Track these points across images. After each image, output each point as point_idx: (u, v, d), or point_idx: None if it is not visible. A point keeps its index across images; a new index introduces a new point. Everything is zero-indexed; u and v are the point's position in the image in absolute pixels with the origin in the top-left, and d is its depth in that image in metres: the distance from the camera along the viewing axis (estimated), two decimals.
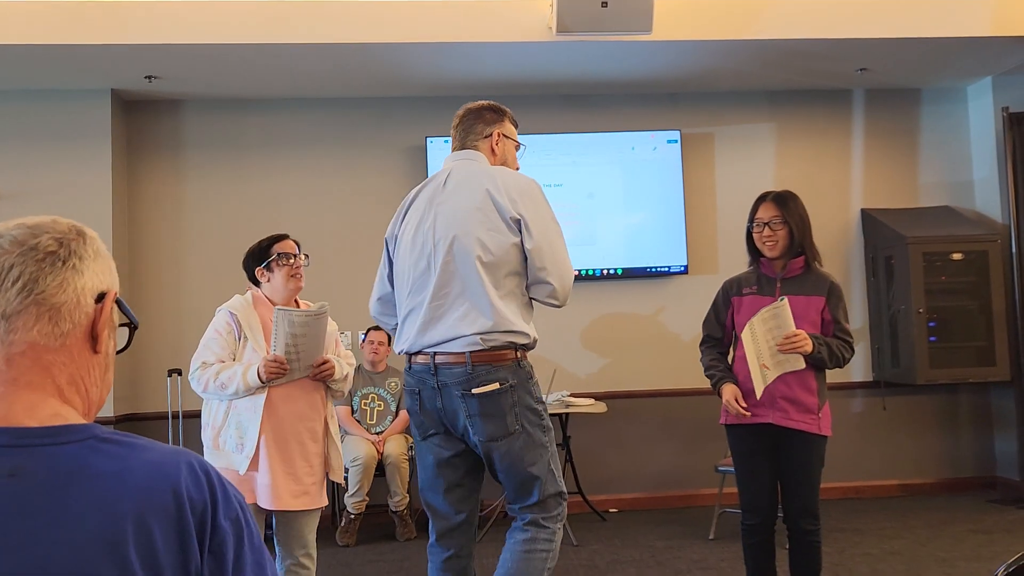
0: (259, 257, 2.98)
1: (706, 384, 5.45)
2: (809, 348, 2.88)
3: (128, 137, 5.48)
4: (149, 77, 5.00)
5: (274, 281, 2.96)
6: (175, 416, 5.15)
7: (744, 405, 2.97)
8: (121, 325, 1.03)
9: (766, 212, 3.06)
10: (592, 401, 4.98)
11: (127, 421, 5.16)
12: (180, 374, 5.19)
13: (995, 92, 5.63)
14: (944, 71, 5.52)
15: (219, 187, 5.54)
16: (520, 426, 2.54)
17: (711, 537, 4.65)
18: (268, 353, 2.79)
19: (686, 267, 5.59)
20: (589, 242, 5.56)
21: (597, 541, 4.65)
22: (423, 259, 2.57)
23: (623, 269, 5.59)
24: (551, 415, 5.05)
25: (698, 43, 4.77)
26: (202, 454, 3.95)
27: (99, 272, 0.98)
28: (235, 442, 2.81)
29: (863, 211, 5.79)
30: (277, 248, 2.98)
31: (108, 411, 5.00)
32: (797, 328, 2.90)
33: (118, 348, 1.03)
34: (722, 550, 4.43)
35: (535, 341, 2.60)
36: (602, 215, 5.56)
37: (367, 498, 4.81)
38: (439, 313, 2.51)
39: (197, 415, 5.11)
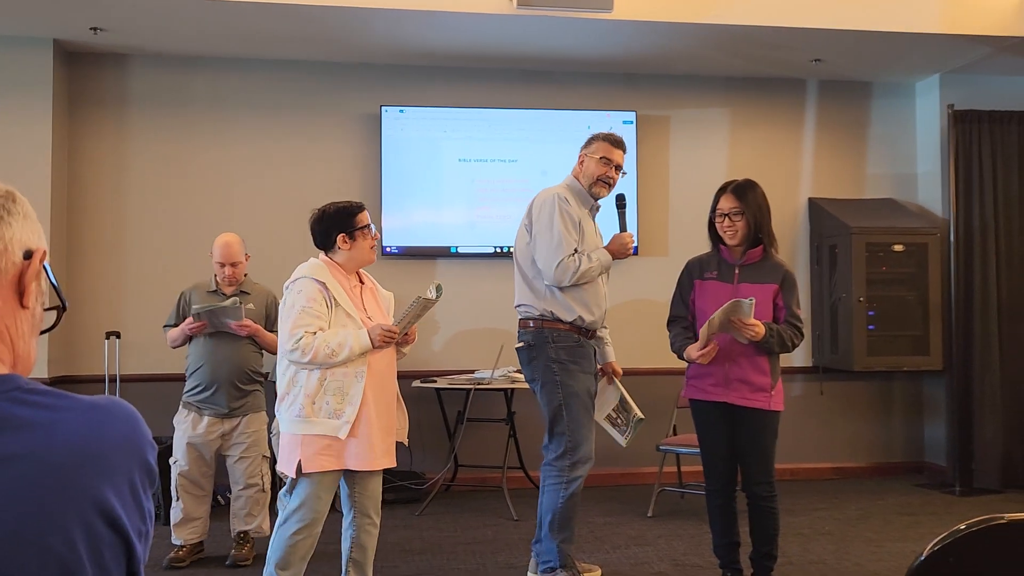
0: (344, 224, 2.97)
1: (651, 364, 5.54)
2: (760, 337, 3.07)
3: (70, 91, 5.28)
4: (94, 28, 4.81)
5: (355, 250, 2.98)
6: (112, 380, 5.02)
7: (708, 348, 3.14)
8: (48, 309, 1.01)
9: (726, 203, 3.23)
10: None
11: (62, 383, 5.02)
12: (119, 337, 5.06)
13: (942, 89, 5.76)
14: (895, 66, 5.63)
15: (165, 147, 5.38)
16: (536, 376, 3.42)
17: (649, 514, 4.74)
18: (368, 323, 2.90)
19: (636, 248, 5.60)
20: None
21: (536, 516, 4.69)
22: None
23: None
24: (496, 390, 5.11)
25: (657, 24, 4.77)
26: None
27: (27, 231, 0.96)
28: (332, 408, 2.81)
29: (810, 200, 5.90)
30: (362, 218, 3.00)
31: (42, 372, 4.85)
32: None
33: (44, 328, 1.01)
34: (660, 527, 4.51)
35: (583, 320, 3.39)
36: None
37: None
38: None
39: (136, 379, 5.07)
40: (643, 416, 3.68)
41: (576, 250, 3.35)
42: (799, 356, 5.83)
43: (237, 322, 3.81)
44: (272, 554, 2.90)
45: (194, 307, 3.85)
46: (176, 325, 3.96)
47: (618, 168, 3.50)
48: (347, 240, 2.96)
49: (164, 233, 5.34)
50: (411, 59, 5.46)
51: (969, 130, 5.56)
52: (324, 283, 2.90)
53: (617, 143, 3.51)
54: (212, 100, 5.42)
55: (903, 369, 5.66)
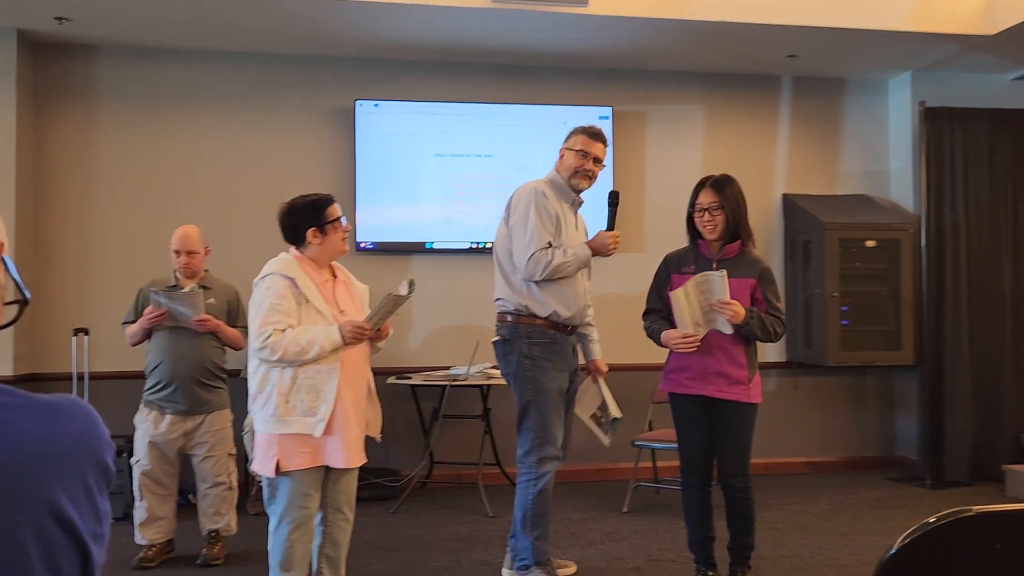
0: (313, 218, 2.91)
1: (627, 360, 5.54)
2: (740, 318, 3.08)
3: (35, 82, 5.18)
4: (60, 19, 4.72)
5: (326, 243, 2.92)
6: (80, 377, 4.94)
7: (686, 336, 3.16)
8: (9, 303, 0.97)
9: (706, 198, 3.25)
10: None
11: (28, 381, 4.93)
12: (87, 334, 4.98)
13: (914, 86, 5.82)
14: (868, 63, 5.67)
15: (133, 140, 5.30)
16: (509, 371, 3.42)
17: (625, 510, 4.74)
18: (339, 318, 2.84)
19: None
20: None
21: (512, 512, 4.67)
22: None
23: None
24: (471, 386, 5.09)
25: (633, 20, 4.77)
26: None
27: None
28: (306, 406, 2.77)
29: (784, 196, 5.93)
30: (333, 211, 2.93)
31: (7, 370, 4.77)
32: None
33: (5, 322, 0.97)
34: (635, 522, 4.52)
35: (559, 316, 3.36)
36: None
37: None
38: None
39: (105, 377, 4.99)
40: (620, 415, 3.67)
41: (550, 244, 3.32)
42: (773, 351, 5.86)
43: (196, 317, 3.71)
44: (273, 556, 2.87)
45: (151, 292, 3.75)
46: (135, 322, 3.85)
47: (597, 160, 3.47)
48: (318, 234, 2.90)
49: (134, 228, 5.26)
50: (386, 52, 5.41)
51: (940, 127, 5.61)
52: (293, 279, 2.85)
53: (596, 135, 3.48)
54: (182, 93, 5.35)
55: (876, 364, 5.71)
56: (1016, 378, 5.58)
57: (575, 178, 3.45)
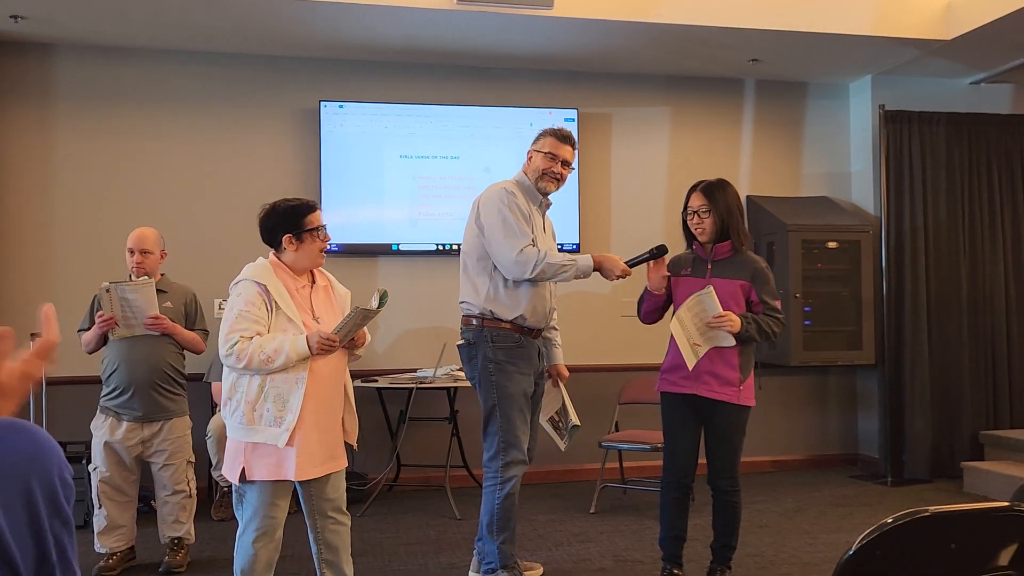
0: (290, 224, 2.85)
1: (593, 361, 5.55)
2: (737, 327, 3.13)
3: None
4: (15, 16, 4.63)
5: (301, 251, 2.86)
6: (36, 383, 4.83)
7: (665, 274, 3.29)
8: None
9: (696, 201, 3.33)
10: None
11: None
12: None
13: (874, 90, 5.91)
14: (829, 67, 5.75)
15: (93, 142, 5.20)
16: (474, 375, 3.39)
17: (592, 511, 4.76)
18: (312, 326, 2.80)
19: (578, 245, 5.64)
20: None
21: (480, 514, 4.67)
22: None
23: None
24: (439, 388, 5.07)
25: (598, 22, 4.79)
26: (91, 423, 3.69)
27: None
28: (272, 416, 2.72)
29: (749, 198, 5.99)
30: (312, 220, 2.87)
31: None
32: (724, 310, 3.16)
33: None
34: (602, 523, 4.53)
35: (524, 320, 3.34)
36: None
37: None
38: None
39: (63, 382, 4.90)
40: (579, 424, 3.68)
41: (532, 240, 3.27)
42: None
43: (150, 314, 3.61)
44: (237, 562, 2.85)
45: (101, 287, 3.64)
46: (90, 329, 3.77)
47: (566, 163, 3.44)
48: (293, 240, 2.85)
49: (93, 232, 5.16)
50: (350, 53, 5.38)
51: (899, 130, 5.71)
52: (265, 285, 2.79)
53: (565, 138, 3.45)
54: (143, 94, 5.26)
55: (837, 364, 5.79)
56: (973, 377, 5.69)
57: (543, 181, 3.42)
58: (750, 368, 3.29)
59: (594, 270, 3.30)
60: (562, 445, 3.69)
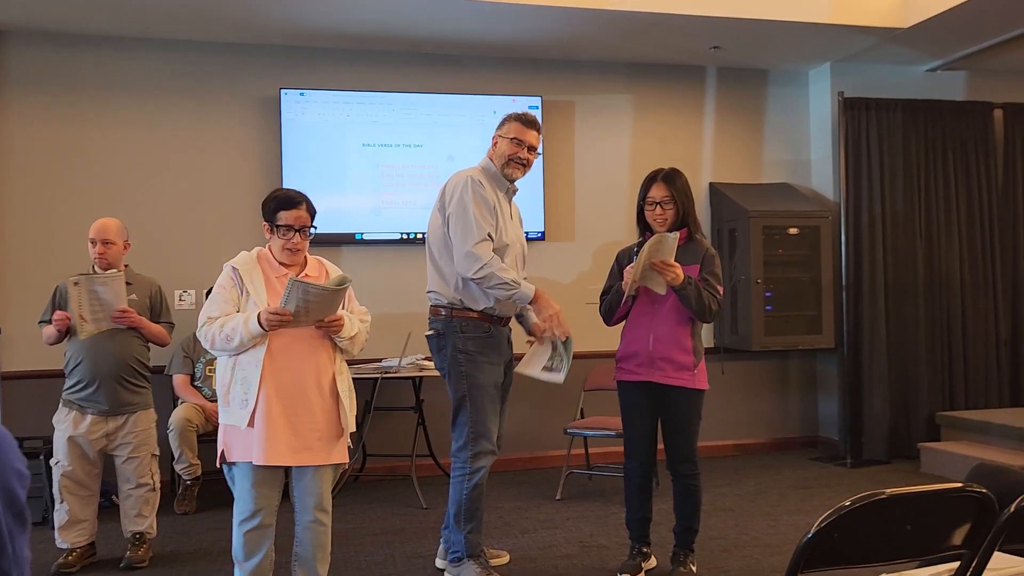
0: (267, 214, 2.90)
1: None
2: (678, 281, 3.15)
3: None
4: None
5: (273, 244, 2.91)
6: None
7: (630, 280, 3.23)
8: None
9: (658, 192, 3.32)
10: None
11: None
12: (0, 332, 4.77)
13: (833, 77, 5.99)
14: (789, 54, 5.81)
15: (47, 131, 5.08)
16: (444, 366, 3.38)
17: (558, 497, 4.78)
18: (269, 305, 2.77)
19: (543, 233, 5.65)
20: None
21: (447, 503, 4.67)
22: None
23: None
24: (404, 378, 5.05)
25: (561, 9, 4.78)
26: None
27: None
28: (241, 398, 2.77)
29: (711, 185, 6.04)
30: (284, 217, 2.86)
31: None
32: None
33: None
34: (568, 509, 4.56)
35: (493, 311, 3.32)
36: None
37: (197, 463, 4.60)
38: None
39: (19, 376, 4.80)
40: (570, 335, 3.41)
41: (489, 235, 3.25)
42: (703, 337, 5.98)
43: (119, 307, 3.56)
44: (233, 547, 2.89)
45: (63, 284, 3.55)
46: (47, 319, 3.72)
47: (531, 149, 3.40)
48: (269, 231, 2.91)
49: (47, 223, 5.05)
50: (312, 40, 5.31)
51: (858, 117, 5.79)
52: (238, 269, 2.86)
53: (530, 123, 3.41)
54: (99, 81, 5.15)
55: (798, 348, 5.87)
56: (929, 360, 5.82)
57: (509, 167, 3.38)
58: (702, 352, 3.34)
59: (531, 303, 3.26)
60: (562, 377, 3.39)
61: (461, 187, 3.29)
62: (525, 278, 3.39)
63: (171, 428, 4.55)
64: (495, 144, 3.42)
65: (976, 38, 5.42)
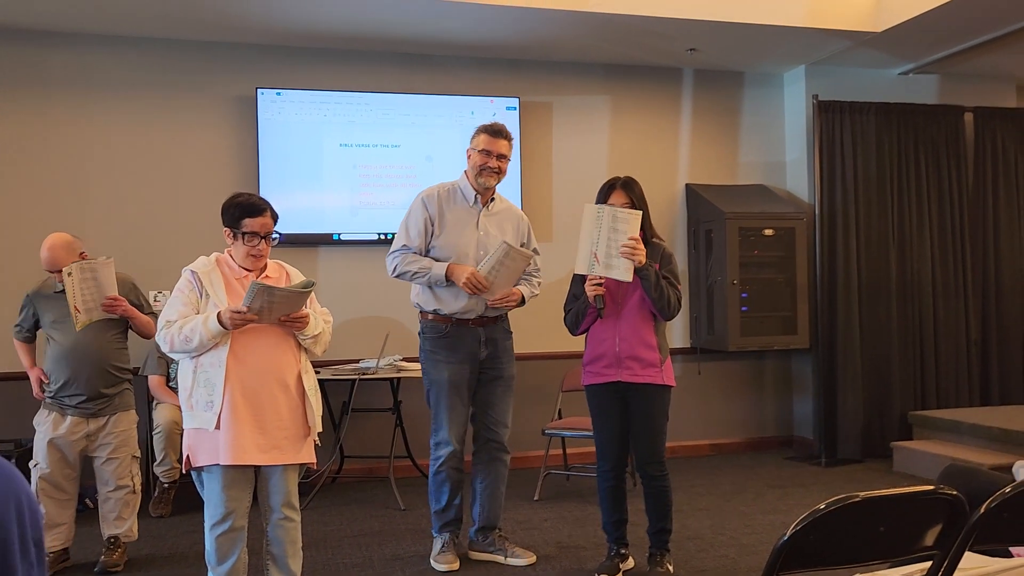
0: (228, 220, 2.88)
1: (536, 350, 5.57)
2: (642, 259, 3.19)
3: None
4: None
5: (235, 250, 2.90)
6: None
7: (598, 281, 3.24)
8: None
9: (618, 199, 3.34)
10: None
11: None
12: None
13: (807, 80, 6.05)
14: (765, 57, 5.86)
15: (16, 129, 5.01)
16: (422, 365, 3.68)
17: (536, 498, 4.79)
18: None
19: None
20: None
21: (425, 505, 4.64)
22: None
23: None
24: (382, 379, 5.04)
25: (539, 11, 4.79)
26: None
27: None
28: (205, 401, 2.76)
29: (687, 186, 6.08)
30: (248, 224, 2.86)
31: None
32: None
33: None
34: (546, 510, 4.57)
35: (443, 310, 3.57)
36: (439, 178, 5.41)
37: (178, 466, 4.57)
38: None
39: None
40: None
41: (404, 246, 3.57)
42: (679, 338, 6.03)
43: (109, 297, 3.51)
44: (206, 551, 2.90)
45: (63, 270, 3.45)
46: (24, 327, 3.74)
47: (501, 157, 3.58)
48: (231, 235, 2.90)
49: (16, 223, 4.98)
50: (289, 40, 5.28)
51: (832, 119, 5.85)
52: (197, 273, 2.86)
53: (497, 132, 3.59)
54: (71, 80, 5.08)
55: (773, 348, 5.93)
56: (902, 360, 5.89)
57: (481, 176, 3.57)
58: (667, 350, 3.40)
59: (447, 278, 3.50)
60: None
61: (413, 202, 3.66)
62: (521, 284, 3.65)
63: (158, 430, 4.50)
64: (468, 156, 3.64)
65: (947, 42, 5.50)
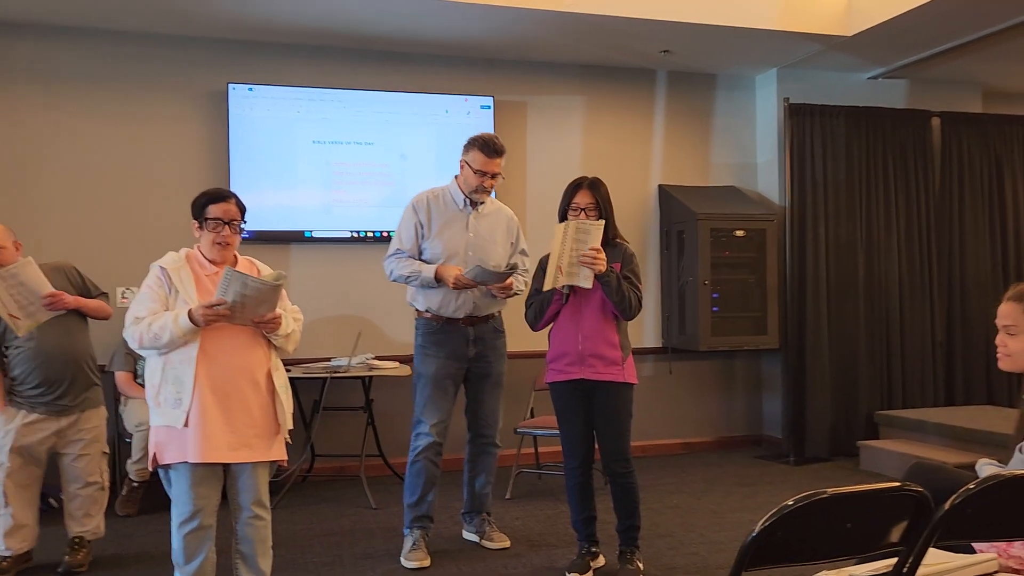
0: (195, 211, 2.88)
1: (509, 348, 5.58)
2: (603, 268, 3.23)
3: None
4: None
5: (202, 241, 2.88)
6: None
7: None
8: None
9: (583, 199, 3.39)
10: (397, 364, 4.95)
11: None
12: None
13: (779, 83, 6.11)
14: (737, 60, 5.91)
15: None
16: (413, 359, 3.77)
17: (507, 496, 4.80)
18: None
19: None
20: (400, 203, 5.42)
21: (396, 503, 4.63)
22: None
23: None
24: (354, 378, 5.02)
25: (514, 10, 4.79)
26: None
27: None
28: (173, 398, 2.73)
29: (660, 187, 6.12)
30: (212, 210, 2.85)
31: None
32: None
33: None
34: (518, 509, 4.58)
35: (434, 310, 3.70)
36: (413, 177, 5.47)
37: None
38: None
39: None
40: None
41: (398, 249, 3.69)
42: (650, 338, 6.07)
43: (47, 294, 3.37)
44: (173, 550, 2.86)
45: None
46: None
47: (495, 175, 3.70)
48: (198, 228, 2.90)
49: None
50: (261, 35, 5.23)
51: (802, 122, 5.92)
52: (166, 268, 2.84)
53: (493, 151, 3.66)
54: (36, 72, 5.00)
55: (744, 348, 5.99)
56: (869, 361, 5.98)
57: (475, 194, 3.72)
58: (629, 348, 3.43)
59: (436, 279, 3.61)
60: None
61: (407, 206, 3.77)
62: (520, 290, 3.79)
63: (141, 426, 4.40)
64: (463, 167, 3.72)
65: (916, 48, 5.59)
